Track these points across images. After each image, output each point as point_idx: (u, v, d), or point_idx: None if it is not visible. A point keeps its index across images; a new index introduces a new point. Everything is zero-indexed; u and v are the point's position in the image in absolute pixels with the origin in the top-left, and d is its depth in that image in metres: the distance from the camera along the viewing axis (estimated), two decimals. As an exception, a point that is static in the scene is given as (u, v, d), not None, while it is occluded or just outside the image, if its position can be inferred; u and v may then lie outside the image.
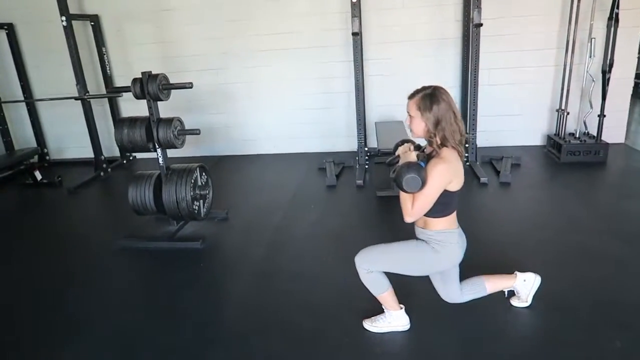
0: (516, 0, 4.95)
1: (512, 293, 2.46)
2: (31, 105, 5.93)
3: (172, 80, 3.46)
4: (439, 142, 1.93)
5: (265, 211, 4.05)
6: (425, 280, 2.35)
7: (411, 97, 1.98)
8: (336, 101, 5.59)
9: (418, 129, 1.97)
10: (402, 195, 1.94)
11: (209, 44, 5.52)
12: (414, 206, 1.92)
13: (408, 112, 1.99)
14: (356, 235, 3.45)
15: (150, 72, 3.36)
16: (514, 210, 3.83)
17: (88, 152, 5.62)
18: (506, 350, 2.20)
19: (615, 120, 5.06)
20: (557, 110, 5.09)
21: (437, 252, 2.07)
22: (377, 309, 2.38)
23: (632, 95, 5.22)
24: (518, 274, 2.41)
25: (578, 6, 4.66)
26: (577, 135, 5.00)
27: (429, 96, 1.91)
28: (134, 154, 6.01)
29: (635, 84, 5.20)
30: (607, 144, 4.78)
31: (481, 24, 4.37)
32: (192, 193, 3.45)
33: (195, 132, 3.50)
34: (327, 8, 5.22)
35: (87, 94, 5.20)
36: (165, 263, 3.30)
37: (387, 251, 2.18)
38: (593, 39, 4.68)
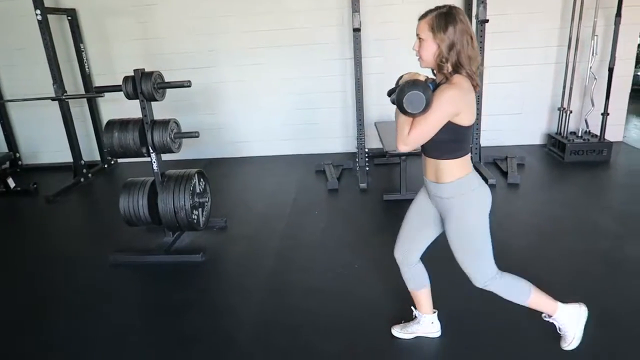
0: (518, -3, 4.84)
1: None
2: (1, 107, 5.48)
3: (160, 79, 3.16)
4: (450, 68, 1.66)
5: (267, 218, 3.79)
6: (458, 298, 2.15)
7: (423, 16, 1.69)
8: (332, 101, 5.37)
9: (428, 53, 1.68)
10: (400, 118, 1.66)
11: (198, 40, 5.20)
12: (412, 132, 1.63)
13: (418, 35, 1.70)
14: (368, 243, 3.25)
15: (144, 69, 3.06)
16: (528, 213, 3.68)
17: (65, 157, 5.25)
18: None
19: (614, 118, 4.99)
20: (559, 109, 5.01)
21: (471, 205, 1.78)
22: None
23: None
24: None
25: (581, 3, 4.57)
26: (580, 134, 4.92)
27: (444, 15, 1.64)
28: (115, 159, 5.62)
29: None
30: (611, 142, 4.71)
31: (487, 20, 4.23)
32: (191, 201, 3.17)
33: (193, 135, 3.21)
34: (322, 4, 5.00)
35: (64, 94, 4.82)
36: (164, 279, 3.00)
37: (472, 250, 1.84)
38: (596, 36, 4.60)
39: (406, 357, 2.15)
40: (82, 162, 5.07)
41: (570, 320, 2.01)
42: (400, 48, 5.08)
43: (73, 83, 5.34)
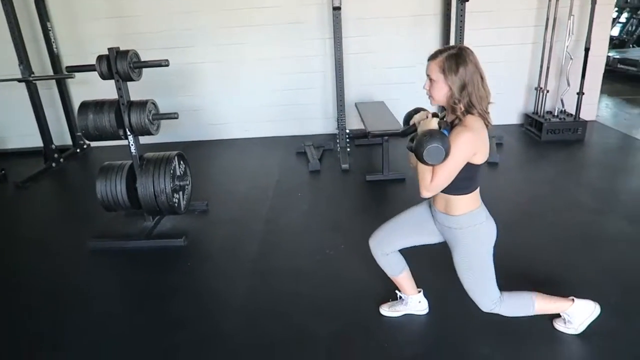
0: (495, -24, 4.84)
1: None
2: (-37, 89, 5.19)
3: (135, 59, 3.03)
4: (462, 109, 1.67)
5: (250, 201, 3.73)
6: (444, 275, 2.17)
7: (433, 58, 1.69)
8: (311, 81, 5.29)
9: (439, 94, 1.69)
10: (420, 166, 1.67)
11: (174, 19, 5.02)
12: (434, 180, 1.66)
13: (428, 76, 1.70)
14: (354, 224, 3.24)
15: (118, 48, 2.92)
16: (509, 191, 3.74)
17: (34, 141, 5.03)
18: (533, 337, 2.07)
19: (588, 97, 5.09)
20: (536, 89, 5.07)
21: (479, 236, 1.82)
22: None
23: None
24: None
25: (559, -18, 4.60)
26: (556, 113, 5.01)
27: (454, 57, 1.64)
28: (88, 142, 5.43)
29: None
30: (585, 121, 4.82)
31: (467, 0, 4.20)
32: (171, 185, 3.08)
33: (172, 116, 3.11)
34: (301, -19, 4.88)
35: (32, 75, 4.60)
36: (146, 265, 2.93)
37: (478, 276, 1.89)
38: (573, 16, 4.65)
39: (396, 335, 2.16)
40: (53, 146, 4.87)
41: (580, 315, 2.05)
42: (381, 27, 5.06)
43: (40, 64, 5.09)
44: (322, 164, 4.46)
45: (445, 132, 1.64)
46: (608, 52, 8.25)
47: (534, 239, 2.92)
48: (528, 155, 4.59)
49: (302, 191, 3.91)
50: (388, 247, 2.07)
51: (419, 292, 2.24)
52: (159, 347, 2.18)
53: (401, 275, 2.16)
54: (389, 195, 3.75)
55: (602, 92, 5.59)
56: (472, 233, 1.82)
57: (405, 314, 2.25)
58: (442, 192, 1.77)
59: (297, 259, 2.86)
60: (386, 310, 2.28)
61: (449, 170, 1.65)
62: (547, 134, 4.78)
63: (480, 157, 1.70)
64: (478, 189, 1.83)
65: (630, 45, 9.85)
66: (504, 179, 4.01)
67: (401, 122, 2.00)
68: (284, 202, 3.70)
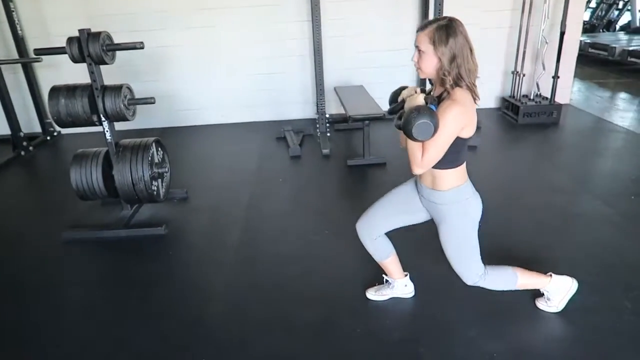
0: (473, -41, 4.83)
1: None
2: None
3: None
4: (451, 81, 1.64)
5: (231, 188, 3.67)
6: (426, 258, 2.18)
7: (422, 29, 1.66)
8: (290, 65, 5.22)
9: (429, 66, 1.66)
10: (410, 143, 1.66)
11: (143, 1, 4.83)
12: (425, 155, 1.65)
13: (417, 47, 1.67)
14: (337, 208, 3.23)
15: (90, 29, 2.79)
16: (489, 174, 3.78)
17: (1, 129, 4.81)
18: (520, 315, 2.12)
19: (563, 81, 5.18)
20: (513, 73, 5.13)
21: (465, 213, 1.82)
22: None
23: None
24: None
25: (535, -35, 4.63)
26: (532, 97, 5.08)
27: (444, 27, 1.61)
28: (58, 129, 5.23)
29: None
30: (560, 105, 4.91)
31: (446, -18, 4.19)
32: (150, 172, 3.00)
33: (149, 101, 3.02)
34: (278, -39, 4.77)
35: (-4, 59, 4.38)
36: (126, 255, 2.85)
37: (460, 250, 1.90)
38: (548, 0, 4.70)
39: (383, 320, 2.17)
40: (22, 134, 4.68)
41: (559, 291, 2.10)
42: (360, 10, 5.00)
43: (4, 47, 4.86)
44: (302, 149, 4.42)
45: (433, 107, 1.61)
46: (580, 37, 8.45)
47: (513, 220, 2.98)
48: (506, 138, 4.66)
49: (284, 177, 3.87)
50: (375, 230, 2.06)
51: (406, 275, 2.25)
52: (142, 336, 2.13)
53: (388, 259, 2.16)
54: (370, 179, 3.74)
55: (574, 76, 5.71)
56: (458, 209, 1.82)
57: (391, 298, 2.26)
58: None
59: (281, 245, 2.83)
60: (372, 294, 2.28)
61: (439, 145, 1.64)
62: (523, 117, 4.85)
63: (468, 130, 1.69)
64: (464, 164, 1.82)
65: (601, 30, 10.08)
66: (483, 161, 4.06)
67: (381, 106, 1.98)
68: (266, 188, 3.65)
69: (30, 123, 5.12)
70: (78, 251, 2.91)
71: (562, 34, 4.71)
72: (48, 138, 5.12)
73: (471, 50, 1.65)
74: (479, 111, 5.44)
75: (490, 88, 5.44)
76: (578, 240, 2.72)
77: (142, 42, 2.84)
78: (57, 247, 2.93)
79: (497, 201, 3.25)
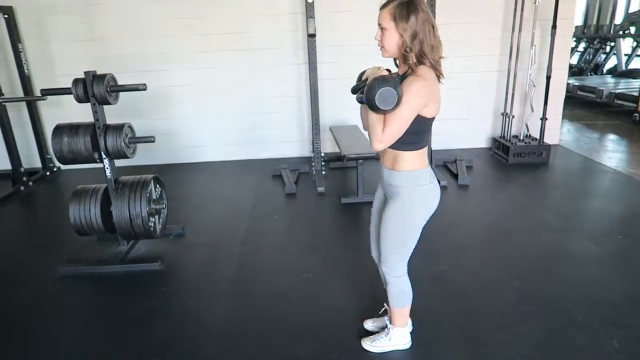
0: (462, 8, 5.07)
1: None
2: None
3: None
4: (414, 58, 1.65)
5: (226, 224, 3.73)
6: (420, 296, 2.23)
7: (384, 6, 1.68)
8: (287, 105, 5.38)
9: (391, 42, 1.68)
10: (371, 117, 1.65)
11: (148, 43, 5.05)
12: (385, 129, 1.64)
13: (379, 24, 1.69)
14: (330, 245, 3.28)
15: (95, 71, 2.93)
16: (479, 212, 3.88)
17: (2, 164, 4.90)
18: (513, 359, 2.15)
19: (551, 123, 5.34)
20: (502, 114, 5.30)
21: (416, 202, 1.82)
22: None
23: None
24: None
25: (521, 15, 4.87)
26: (521, 138, 5.23)
27: (405, 4, 1.63)
28: (58, 165, 5.32)
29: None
30: (549, 145, 5.05)
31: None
32: (147, 208, 3.06)
33: (149, 139, 3.11)
34: (276, 9, 5.00)
35: (1, 96, 4.51)
36: (121, 290, 2.87)
37: (393, 239, 1.89)
38: (534, 46, 4.93)
39: (376, 355, 2.19)
40: (22, 169, 4.76)
41: (395, 338, 2.15)
42: (354, 54, 5.19)
43: (10, 85, 5.01)
44: (298, 187, 4.50)
45: (398, 80, 1.62)
46: (568, 80, 8.74)
47: (502, 258, 3.03)
48: (496, 177, 4.77)
49: (279, 214, 3.93)
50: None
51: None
52: (135, 374, 2.15)
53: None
54: (363, 217, 3.81)
55: (563, 117, 5.88)
56: (413, 193, 1.81)
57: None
58: (390, 147, 1.75)
59: (275, 281, 2.87)
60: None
61: (400, 119, 1.63)
62: (513, 157, 4.98)
63: (431, 109, 1.69)
64: (426, 148, 1.82)
65: (589, 73, 10.42)
66: (474, 200, 4.15)
67: None
68: (261, 225, 3.71)
69: (30, 158, 5.21)
70: (74, 286, 2.94)
71: (549, 78, 4.91)
72: (48, 173, 5.20)
73: (433, 27, 1.66)
74: (470, 150, 5.60)
75: (481, 129, 5.59)
76: (566, 279, 2.76)
77: (144, 84, 2.97)
78: (53, 282, 2.96)
79: (487, 238, 3.33)
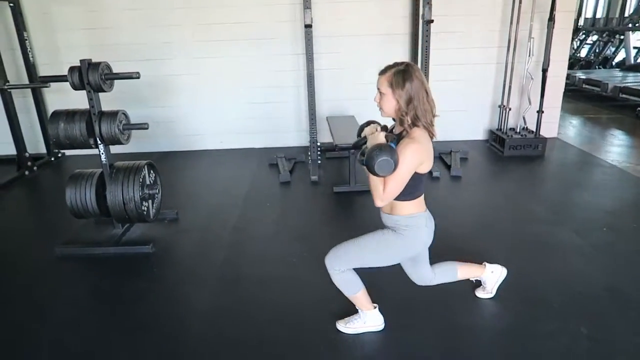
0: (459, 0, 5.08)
1: (478, 283, 2.51)
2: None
3: (109, 71, 3.14)
4: (409, 121, 1.82)
5: (219, 210, 3.83)
6: (395, 277, 2.30)
7: (382, 73, 1.86)
8: (284, 95, 5.45)
9: (388, 107, 1.86)
10: (372, 178, 1.82)
11: (150, 32, 5.14)
12: (386, 189, 1.81)
13: (378, 89, 1.87)
14: (319, 234, 3.36)
15: (90, 60, 3.02)
16: (469, 203, 3.92)
17: (7, 149, 5.05)
18: (481, 344, 2.22)
19: (549, 116, 5.34)
20: (500, 106, 5.31)
21: (405, 237, 1.98)
22: (350, 310, 2.31)
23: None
24: (487, 264, 2.45)
25: (519, 7, 4.86)
26: (518, 130, 5.25)
27: (401, 72, 1.80)
28: (63, 151, 5.46)
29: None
30: (545, 138, 5.06)
31: (432, 21, 4.42)
32: (140, 193, 3.17)
33: (143, 126, 3.20)
34: (276, -1, 5.06)
35: (7, 83, 4.65)
36: (113, 271, 2.99)
37: (356, 246, 2.07)
38: (532, 39, 4.92)
39: (351, 341, 2.26)
40: (27, 154, 4.90)
41: (369, 320, 2.25)
42: (352, 45, 5.25)
43: (16, 73, 5.13)
44: (292, 175, 4.59)
45: (393, 145, 1.78)
46: (575, 73, 8.68)
47: (485, 246, 3.08)
48: (490, 169, 4.80)
49: (271, 201, 4.02)
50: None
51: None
52: (123, 348, 2.26)
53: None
54: (354, 205, 3.89)
55: (567, 110, 5.87)
56: (406, 231, 1.97)
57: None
58: None
59: (262, 266, 2.96)
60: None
61: (398, 180, 1.81)
62: (509, 150, 5.00)
63: (425, 166, 1.86)
64: (423, 195, 1.99)
65: (597, 67, 10.31)
66: (464, 191, 4.20)
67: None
68: (253, 211, 3.81)
69: (36, 144, 5.36)
70: (69, 266, 3.06)
71: (545, 70, 4.91)
72: (52, 159, 5.35)
73: (427, 93, 1.83)
74: (467, 142, 5.63)
75: (479, 121, 5.61)
76: (546, 268, 2.81)
77: (138, 73, 3.05)
78: (50, 262, 3.09)
79: (472, 229, 3.38)
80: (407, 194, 1.90)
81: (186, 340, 2.29)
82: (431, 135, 1.87)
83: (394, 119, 1.96)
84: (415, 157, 1.80)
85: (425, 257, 2.23)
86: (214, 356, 2.19)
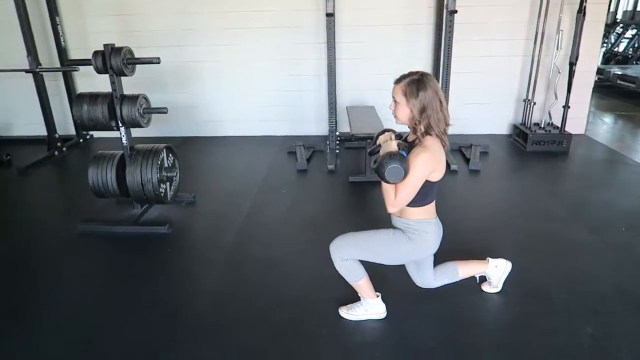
0: (489, -11, 4.98)
1: (483, 279, 2.50)
2: (-26, 77, 5.44)
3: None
4: (422, 129, 1.86)
5: (235, 195, 3.91)
6: (400, 268, 2.31)
7: (397, 82, 1.90)
8: (306, 84, 5.47)
9: (403, 115, 1.90)
10: (385, 185, 1.87)
11: (175, 19, 5.24)
12: (397, 196, 1.86)
13: (393, 97, 1.92)
14: (330, 222, 3.39)
15: (114, 44, 3.12)
16: (484, 198, 3.88)
17: (39, 130, 5.27)
18: (483, 337, 2.21)
19: (577, 111, 5.19)
20: (524, 100, 5.19)
21: (413, 241, 2.03)
22: (354, 297, 2.34)
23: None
24: (490, 259, 2.44)
25: (548, -1, 4.73)
26: (542, 125, 5.13)
27: (416, 82, 1.84)
28: (91, 133, 5.67)
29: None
30: (571, 134, 4.93)
31: (456, 11, 4.36)
32: (158, 175, 3.27)
33: (162, 110, 3.30)
34: (299, -13, 5.07)
35: (39, 66, 4.83)
36: (129, 249, 3.12)
37: (362, 239, 2.12)
38: (561, 31, 4.78)
39: (352, 327, 2.30)
40: (57, 135, 5.11)
41: (371, 308, 2.29)
42: (375, 34, 5.22)
43: (48, 56, 5.33)
44: (310, 164, 4.63)
45: (404, 153, 1.83)
46: (610, 68, 8.36)
47: (495, 240, 3.06)
48: (511, 164, 4.71)
49: (287, 188, 4.08)
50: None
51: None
52: (131, 320, 2.37)
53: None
54: (368, 196, 3.89)
55: (599, 107, 5.67)
56: (414, 235, 2.01)
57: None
58: None
59: (270, 251, 3.02)
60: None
61: (409, 187, 1.85)
62: (532, 145, 4.90)
63: (437, 174, 1.91)
64: (433, 203, 2.03)
65: (634, 62, 9.89)
66: (481, 185, 4.15)
67: (387, 126, 2.25)
68: (268, 198, 3.87)
69: (66, 126, 5.56)
70: (88, 242, 3.20)
71: (572, 64, 4.76)
72: (80, 140, 5.55)
73: (441, 102, 1.86)
74: (489, 136, 5.55)
75: (502, 115, 5.51)
76: (555, 265, 2.77)
77: (158, 58, 3.14)
78: (71, 237, 3.24)
79: (485, 223, 3.35)
80: (417, 201, 1.94)
81: (190, 314, 2.38)
82: (444, 144, 1.90)
83: (409, 126, 1.99)
84: (427, 166, 1.84)
85: (430, 263, 2.26)
86: (215, 330, 2.27)
